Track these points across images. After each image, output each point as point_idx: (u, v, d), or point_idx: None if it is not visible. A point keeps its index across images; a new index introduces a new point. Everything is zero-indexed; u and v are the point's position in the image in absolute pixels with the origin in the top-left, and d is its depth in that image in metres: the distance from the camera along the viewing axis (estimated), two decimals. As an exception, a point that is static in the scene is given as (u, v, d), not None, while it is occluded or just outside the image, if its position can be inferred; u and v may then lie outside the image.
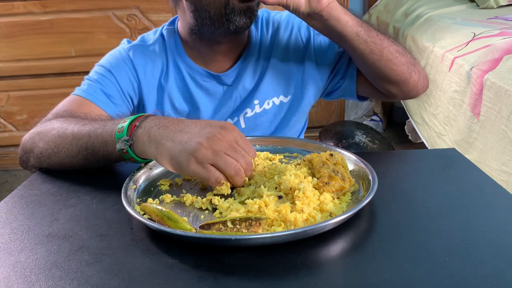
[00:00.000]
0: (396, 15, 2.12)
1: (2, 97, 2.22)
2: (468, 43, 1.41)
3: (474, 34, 1.44)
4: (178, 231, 0.47)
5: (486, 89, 1.17)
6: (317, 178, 0.57)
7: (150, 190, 0.61)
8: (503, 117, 1.09)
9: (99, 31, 2.11)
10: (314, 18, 0.73)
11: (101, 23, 2.10)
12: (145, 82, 0.87)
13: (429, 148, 1.57)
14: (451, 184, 0.62)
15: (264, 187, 0.56)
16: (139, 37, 0.91)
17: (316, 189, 0.55)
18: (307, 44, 0.89)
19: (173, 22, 0.91)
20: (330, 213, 0.51)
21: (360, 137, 1.91)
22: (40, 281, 0.43)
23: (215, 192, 0.57)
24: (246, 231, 0.48)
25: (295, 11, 0.72)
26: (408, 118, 1.85)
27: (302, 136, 1.01)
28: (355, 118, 2.59)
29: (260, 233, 0.48)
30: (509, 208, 0.54)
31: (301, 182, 0.55)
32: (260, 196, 0.54)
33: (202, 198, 0.57)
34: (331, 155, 0.60)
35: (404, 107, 1.86)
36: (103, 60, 0.88)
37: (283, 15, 0.92)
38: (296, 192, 0.53)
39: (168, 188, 0.62)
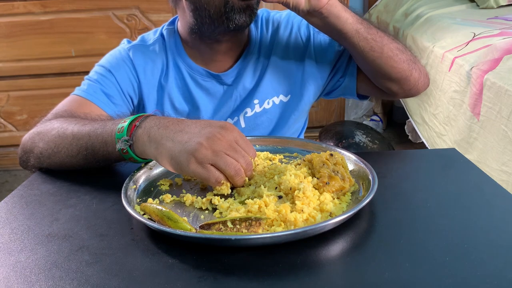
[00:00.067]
0: (396, 15, 2.12)
1: (2, 97, 2.22)
2: (468, 43, 1.41)
3: (474, 34, 1.44)
4: (178, 231, 0.47)
5: (486, 89, 1.17)
6: (317, 178, 0.56)
7: (150, 190, 0.61)
8: (503, 117, 1.09)
9: (99, 31, 2.11)
10: (314, 15, 0.73)
11: (101, 23, 2.10)
12: (145, 82, 0.87)
13: (429, 148, 1.57)
14: (451, 184, 0.62)
15: (264, 187, 0.56)
16: (139, 37, 0.91)
17: (316, 189, 0.55)
18: (307, 43, 0.89)
19: (173, 22, 0.91)
20: (330, 213, 0.51)
21: (360, 137, 1.91)
22: (40, 281, 0.43)
23: (215, 192, 0.57)
24: (246, 231, 0.48)
25: (295, 8, 0.72)
26: (408, 118, 1.85)
27: (302, 136, 1.01)
28: (355, 118, 2.59)
29: (260, 233, 0.48)
30: (509, 208, 0.54)
31: (301, 182, 0.55)
32: (260, 196, 0.54)
33: (202, 198, 0.57)
34: (331, 155, 0.60)
35: (404, 107, 1.86)
36: (103, 60, 0.88)
37: (282, 14, 0.92)
38: (296, 192, 0.53)
39: (168, 188, 0.62)
